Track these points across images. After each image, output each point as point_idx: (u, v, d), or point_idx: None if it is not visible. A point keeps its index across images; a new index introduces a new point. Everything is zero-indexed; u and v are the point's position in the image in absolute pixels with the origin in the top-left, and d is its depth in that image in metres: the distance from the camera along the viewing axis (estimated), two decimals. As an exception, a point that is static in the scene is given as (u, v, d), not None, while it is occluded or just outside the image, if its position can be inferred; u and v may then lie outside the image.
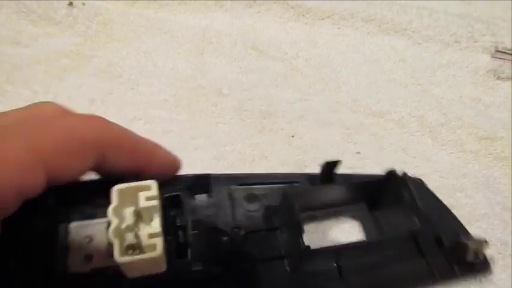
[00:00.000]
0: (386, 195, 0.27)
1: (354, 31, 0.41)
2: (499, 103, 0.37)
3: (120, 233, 0.19)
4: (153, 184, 0.20)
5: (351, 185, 0.27)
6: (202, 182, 0.25)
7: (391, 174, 0.26)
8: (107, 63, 0.40)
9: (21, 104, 0.38)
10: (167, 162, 0.25)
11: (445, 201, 0.33)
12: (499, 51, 0.39)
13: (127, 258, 0.18)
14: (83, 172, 0.20)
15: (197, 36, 0.42)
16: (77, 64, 0.40)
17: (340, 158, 0.35)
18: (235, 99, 0.38)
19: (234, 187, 0.26)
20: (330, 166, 0.26)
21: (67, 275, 0.20)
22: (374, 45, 0.40)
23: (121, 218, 0.19)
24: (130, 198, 0.20)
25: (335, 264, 0.24)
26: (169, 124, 0.37)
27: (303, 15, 0.42)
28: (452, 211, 0.33)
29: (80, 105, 0.38)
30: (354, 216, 0.28)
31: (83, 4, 0.42)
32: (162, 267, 0.20)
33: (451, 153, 0.35)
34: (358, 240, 0.27)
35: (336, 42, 0.41)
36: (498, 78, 0.39)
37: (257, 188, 0.26)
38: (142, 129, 0.37)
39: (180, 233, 0.22)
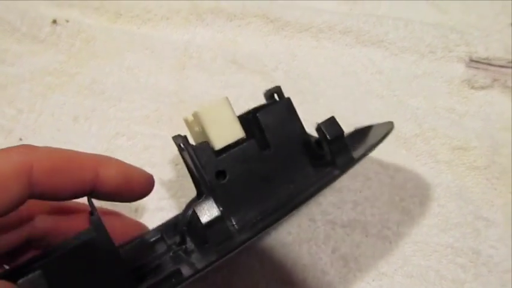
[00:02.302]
0: None
1: (331, 43, 0.42)
2: (473, 112, 0.38)
3: None
4: None
5: None
6: None
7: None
8: (90, 80, 0.41)
9: (6, 123, 0.39)
10: (121, 174, 0.25)
11: (417, 210, 0.34)
12: (473, 60, 0.40)
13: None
14: (18, 201, 0.21)
15: (179, 52, 0.42)
16: (60, 82, 0.41)
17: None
18: (216, 114, 0.39)
19: None
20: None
21: None
22: (351, 57, 0.41)
23: None
24: None
25: None
26: (151, 140, 0.38)
27: (282, 28, 0.43)
28: (425, 220, 0.34)
29: (63, 122, 0.39)
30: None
31: (67, 22, 0.43)
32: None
33: (425, 163, 0.36)
34: None
35: (315, 55, 0.42)
36: (472, 87, 0.39)
37: None
38: (125, 145, 0.38)
39: None
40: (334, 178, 0.25)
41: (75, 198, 0.24)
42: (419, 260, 0.32)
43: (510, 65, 0.40)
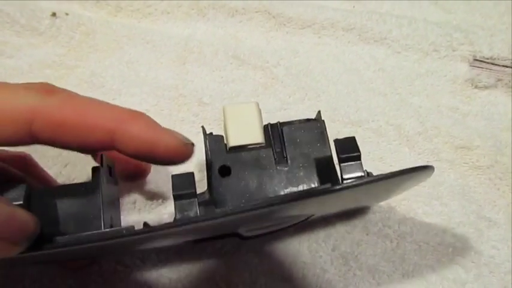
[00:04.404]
0: None
1: (334, 40, 0.42)
2: (476, 112, 0.38)
3: None
4: None
5: None
6: None
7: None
8: (90, 73, 0.40)
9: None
10: (144, 137, 0.22)
11: (420, 210, 0.34)
12: (477, 60, 0.40)
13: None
14: (14, 140, 0.21)
15: (179, 46, 0.42)
16: (59, 74, 0.40)
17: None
18: (216, 109, 0.38)
19: None
20: None
21: None
22: (354, 55, 0.41)
23: None
24: None
25: None
26: (150, 134, 0.37)
27: (284, 24, 0.43)
28: (427, 219, 0.33)
29: (62, 115, 0.39)
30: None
31: (66, 14, 0.43)
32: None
33: (428, 161, 0.36)
34: None
35: (317, 51, 0.41)
36: (476, 87, 0.39)
37: None
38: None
39: None
40: (323, 192, 0.24)
41: (86, 153, 0.23)
42: (420, 259, 0.32)
43: (514, 65, 0.40)
